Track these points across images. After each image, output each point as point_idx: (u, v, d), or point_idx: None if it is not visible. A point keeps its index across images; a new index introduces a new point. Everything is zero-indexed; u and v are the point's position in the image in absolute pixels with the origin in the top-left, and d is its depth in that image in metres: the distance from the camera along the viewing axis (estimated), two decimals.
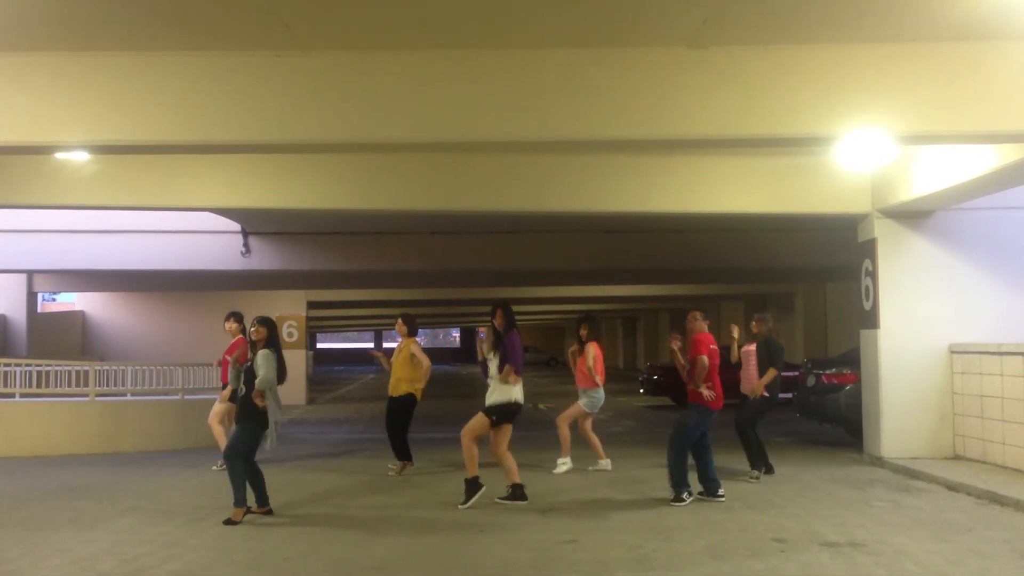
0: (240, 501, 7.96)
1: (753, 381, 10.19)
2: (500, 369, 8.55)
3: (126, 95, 7.24)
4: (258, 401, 7.97)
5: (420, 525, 7.85)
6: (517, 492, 8.64)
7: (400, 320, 10.89)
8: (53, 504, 8.95)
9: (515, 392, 8.62)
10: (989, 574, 6.09)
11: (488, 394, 8.67)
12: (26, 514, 8.47)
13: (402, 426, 10.73)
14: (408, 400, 10.63)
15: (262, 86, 7.24)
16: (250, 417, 8.08)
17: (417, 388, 10.62)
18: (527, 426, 15.71)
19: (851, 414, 12.36)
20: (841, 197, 11.27)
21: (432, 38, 7.01)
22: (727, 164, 11.17)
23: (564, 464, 10.58)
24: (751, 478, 9.90)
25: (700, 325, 9.00)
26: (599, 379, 10.57)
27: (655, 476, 10.18)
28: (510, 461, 8.71)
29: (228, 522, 7.81)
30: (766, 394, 10.13)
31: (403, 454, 10.70)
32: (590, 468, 10.62)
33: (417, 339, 10.99)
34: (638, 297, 30.87)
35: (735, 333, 10.42)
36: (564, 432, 10.66)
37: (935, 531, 7.34)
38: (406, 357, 10.61)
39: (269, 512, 8.21)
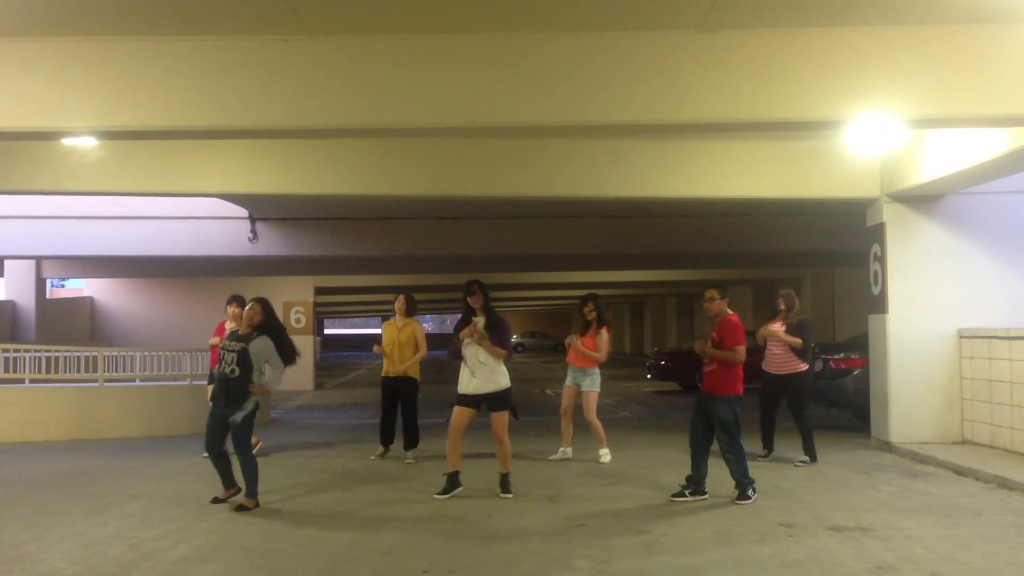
0: (252, 492, 7.93)
1: (791, 364, 10.13)
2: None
3: (133, 81, 7.22)
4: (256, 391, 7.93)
5: (429, 510, 7.87)
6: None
7: (403, 298, 10.57)
8: (63, 489, 8.99)
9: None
10: (998, 559, 6.08)
11: (500, 380, 8.25)
12: (36, 499, 8.52)
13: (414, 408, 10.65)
14: (416, 383, 10.58)
15: (269, 71, 7.22)
16: (248, 402, 7.95)
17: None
18: (532, 412, 15.74)
19: (859, 399, 12.34)
20: (850, 181, 11.21)
21: (440, 22, 6.97)
22: (735, 149, 11.11)
23: (606, 455, 10.26)
24: (798, 463, 9.92)
25: (721, 305, 8.22)
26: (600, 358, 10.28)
27: (662, 462, 10.19)
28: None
29: (242, 508, 7.82)
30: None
31: (391, 439, 10.69)
32: (550, 458, 10.39)
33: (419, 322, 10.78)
34: (645, 282, 30.83)
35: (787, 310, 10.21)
36: (597, 424, 10.28)
37: (943, 516, 7.33)
38: (410, 336, 10.42)
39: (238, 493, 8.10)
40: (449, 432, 8.39)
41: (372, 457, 10.70)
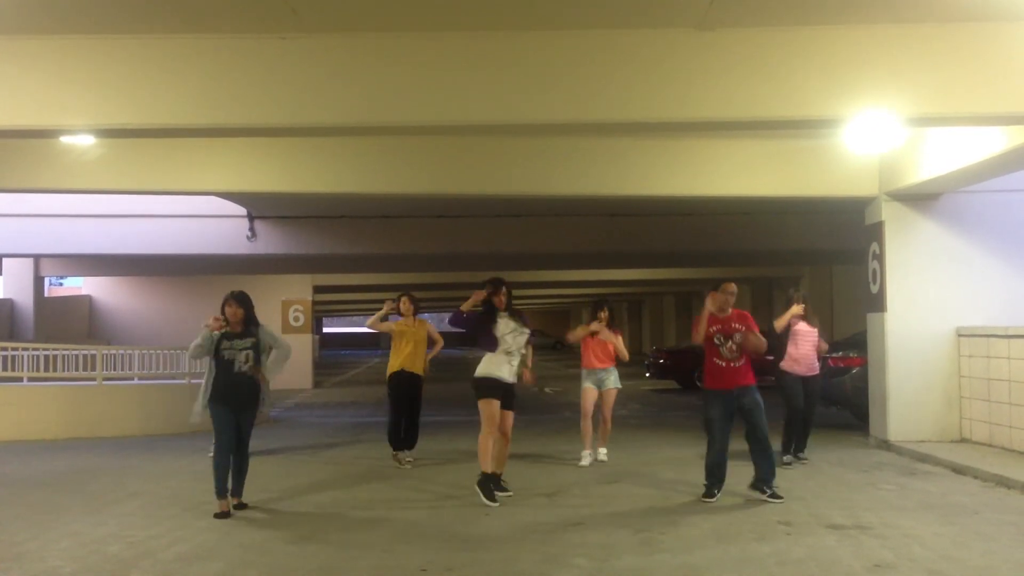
0: (240, 491, 7.84)
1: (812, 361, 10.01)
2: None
3: (132, 79, 7.21)
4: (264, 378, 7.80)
5: (427, 508, 7.87)
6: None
7: (408, 299, 10.40)
8: (61, 488, 8.99)
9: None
10: (995, 556, 6.08)
11: (510, 375, 8.17)
12: (34, 497, 8.51)
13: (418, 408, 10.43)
14: (421, 380, 10.35)
15: (268, 70, 7.21)
16: (257, 400, 7.91)
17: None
18: (533, 411, 15.74)
19: (857, 397, 12.35)
20: (849, 180, 11.21)
21: (438, 20, 6.97)
22: (734, 147, 11.12)
23: (603, 453, 10.28)
24: (799, 461, 9.85)
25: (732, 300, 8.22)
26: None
27: (660, 461, 10.20)
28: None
29: (241, 506, 7.74)
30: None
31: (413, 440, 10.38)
32: (581, 464, 10.02)
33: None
34: (644, 281, 30.82)
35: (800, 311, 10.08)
36: (609, 424, 10.35)
37: (942, 514, 7.33)
38: (425, 336, 10.33)
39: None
40: (489, 431, 8.03)
41: (400, 465, 10.10)
